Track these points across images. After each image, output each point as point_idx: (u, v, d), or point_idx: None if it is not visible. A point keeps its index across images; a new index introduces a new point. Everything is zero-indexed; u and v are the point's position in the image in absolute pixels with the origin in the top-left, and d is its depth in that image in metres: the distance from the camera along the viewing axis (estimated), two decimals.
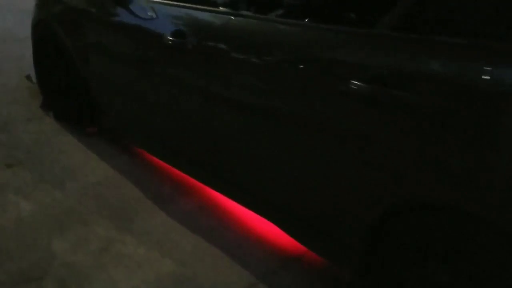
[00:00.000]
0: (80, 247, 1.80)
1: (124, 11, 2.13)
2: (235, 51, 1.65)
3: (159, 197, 2.13)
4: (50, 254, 1.76)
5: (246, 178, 1.79)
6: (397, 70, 1.23)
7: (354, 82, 1.26)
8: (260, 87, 1.59)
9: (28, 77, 3.11)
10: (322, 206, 1.49)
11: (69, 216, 1.98)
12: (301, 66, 1.46)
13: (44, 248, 1.79)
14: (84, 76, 2.49)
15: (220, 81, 1.71)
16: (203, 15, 1.80)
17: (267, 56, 1.57)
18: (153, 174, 2.32)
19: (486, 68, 1.09)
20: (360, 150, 1.32)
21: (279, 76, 1.52)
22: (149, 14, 2.03)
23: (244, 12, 1.68)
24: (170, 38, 1.80)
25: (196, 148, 1.96)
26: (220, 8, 1.69)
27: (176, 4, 1.94)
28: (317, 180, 1.47)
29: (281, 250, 1.82)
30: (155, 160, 2.33)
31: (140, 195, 2.14)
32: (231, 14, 1.67)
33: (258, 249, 1.82)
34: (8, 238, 1.83)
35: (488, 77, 1.08)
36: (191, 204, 2.08)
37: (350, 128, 1.32)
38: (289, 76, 1.49)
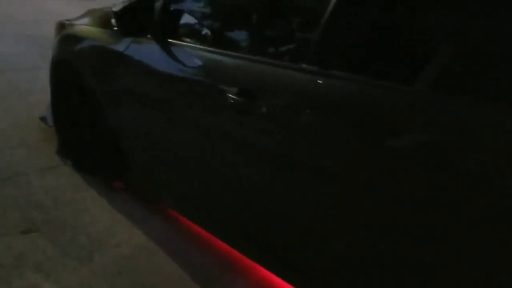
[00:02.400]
0: None
1: (166, 56, 1.85)
2: (313, 116, 1.37)
3: (205, 276, 1.80)
4: None
5: (320, 264, 1.48)
6: None
7: None
8: (344, 155, 1.30)
9: (42, 119, 2.79)
10: None
11: None
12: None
13: None
14: (111, 124, 2.19)
15: (290, 145, 1.41)
16: (275, 71, 1.48)
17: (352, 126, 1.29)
18: (194, 245, 1.98)
19: None
20: None
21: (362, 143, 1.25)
22: (195, 61, 1.75)
23: (333, 72, 1.37)
24: (230, 95, 1.51)
25: (247, 219, 1.66)
26: (303, 65, 1.40)
27: (238, 56, 1.62)
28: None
29: None
30: (194, 226, 2.03)
31: (182, 273, 1.81)
32: (315, 74, 1.38)
33: None
34: None
35: None
36: (244, 286, 1.77)
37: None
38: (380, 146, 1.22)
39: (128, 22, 1.86)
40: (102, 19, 2.35)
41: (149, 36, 1.90)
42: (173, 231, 2.07)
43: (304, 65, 1.39)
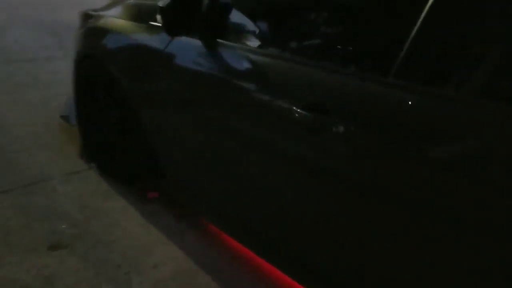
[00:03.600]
0: None
1: (214, 58, 1.64)
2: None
3: None
4: None
5: None
6: None
7: None
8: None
9: (64, 117, 2.60)
10: None
11: None
12: None
13: None
14: (145, 128, 1.99)
15: (371, 172, 1.20)
16: (355, 84, 1.25)
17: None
18: (238, 265, 1.80)
19: None
20: None
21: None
22: (250, 67, 1.52)
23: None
24: (297, 109, 1.31)
25: (302, 246, 1.48)
26: (390, 79, 1.18)
27: (305, 62, 1.39)
28: None
29: None
30: (236, 243, 1.84)
31: None
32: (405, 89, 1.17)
33: None
34: None
35: None
36: None
37: None
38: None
39: (173, 18, 1.64)
40: (135, 11, 2.13)
41: (194, 34, 1.68)
42: (214, 249, 1.88)
43: (391, 79, 1.18)
